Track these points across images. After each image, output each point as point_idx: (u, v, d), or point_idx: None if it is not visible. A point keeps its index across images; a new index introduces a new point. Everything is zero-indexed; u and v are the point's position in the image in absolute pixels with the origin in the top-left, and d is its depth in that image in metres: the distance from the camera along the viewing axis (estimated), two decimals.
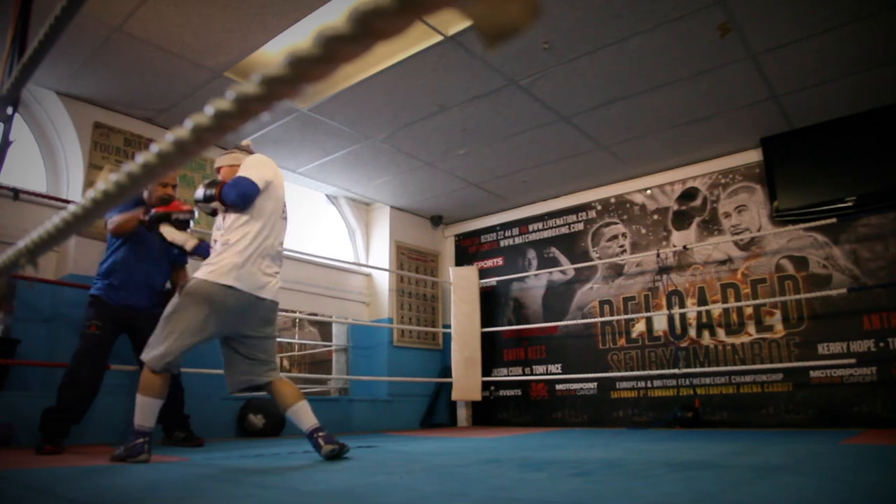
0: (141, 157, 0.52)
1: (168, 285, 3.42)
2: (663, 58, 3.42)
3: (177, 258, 3.43)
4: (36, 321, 3.51)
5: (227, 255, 2.40)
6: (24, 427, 3.08)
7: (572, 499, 1.48)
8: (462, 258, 6.15)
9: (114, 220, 3.05)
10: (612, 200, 5.24)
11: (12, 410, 3.15)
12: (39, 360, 3.37)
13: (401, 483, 1.76)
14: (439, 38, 3.16)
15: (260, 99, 0.41)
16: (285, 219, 2.65)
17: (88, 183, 3.66)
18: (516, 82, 3.62)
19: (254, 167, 2.46)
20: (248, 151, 2.69)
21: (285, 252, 3.02)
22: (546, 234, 5.59)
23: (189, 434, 3.29)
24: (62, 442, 2.86)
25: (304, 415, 2.44)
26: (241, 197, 2.38)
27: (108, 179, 0.59)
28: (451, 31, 3.11)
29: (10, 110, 1.30)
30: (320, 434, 2.41)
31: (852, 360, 3.84)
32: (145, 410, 2.39)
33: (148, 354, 2.41)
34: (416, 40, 3.22)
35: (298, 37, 3.18)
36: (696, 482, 1.68)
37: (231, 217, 2.46)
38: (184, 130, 0.46)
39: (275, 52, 3.31)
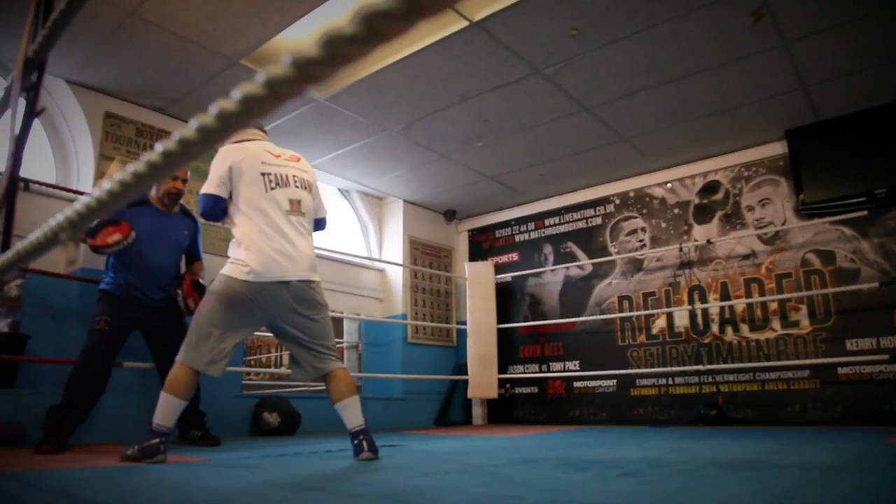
0: (168, 142, 0.51)
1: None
2: (693, 45, 3.32)
3: (191, 253, 3.33)
4: (46, 316, 3.41)
5: (236, 251, 2.38)
6: (34, 425, 2.97)
7: (634, 501, 1.38)
8: (476, 253, 6.04)
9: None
10: (632, 194, 5.14)
11: (22, 408, 3.05)
12: (49, 357, 3.28)
13: (444, 485, 1.67)
14: (465, 23, 3.06)
15: (293, 81, 0.39)
16: (280, 186, 2.43)
17: (99, 174, 3.56)
18: (541, 71, 3.51)
19: (211, 171, 2.44)
20: (252, 128, 2.58)
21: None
22: (563, 228, 5.49)
23: (205, 433, 3.19)
24: (66, 441, 2.76)
25: (353, 412, 2.37)
26: (208, 214, 2.42)
27: (122, 170, 0.56)
28: (478, 16, 3.01)
29: (34, 77, 1.19)
30: (365, 437, 2.34)
31: (884, 357, 3.74)
32: (167, 410, 2.29)
33: (182, 354, 2.35)
34: (441, 26, 3.12)
35: (318, 23, 3.07)
36: (761, 483, 1.59)
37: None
38: (208, 117, 0.45)
39: (293, 40, 3.21)
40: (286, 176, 2.47)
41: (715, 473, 1.78)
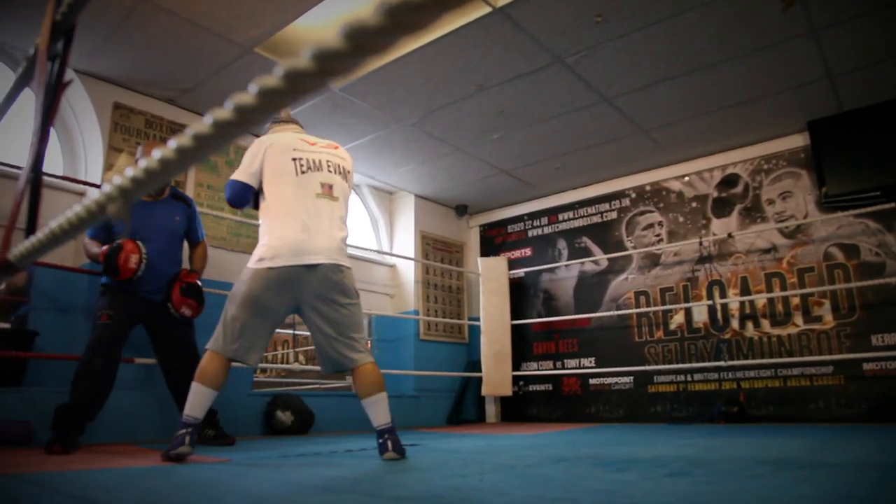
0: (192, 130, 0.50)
1: (187, 266, 3.22)
2: (719, 33, 3.23)
3: (190, 236, 3.23)
4: (54, 312, 3.32)
5: (263, 238, 2.36)
6: (44, 424, 2.88)
7: None
8: (488, 249, 5.95)
9: (85, 243, 3.02)
10: (648, 188, 5.04)
11: (31, 407, 2.96)
12: (58, 353, 3.19)
13: (486, 487, 1.58)
14: (487, 9, 2.96)
15: (345, 56, 0.36)
16: (312, 170, 2.39)
17: (108, 166, 3.46)
18: (562, 59, 3.42)
19: (244, 160, 2.41)
20: (282, 121, 2.55)
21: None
22: (577, 223, 5.40)
23: (219, 431, 3.10)
24: (77, 441, 2.67)
25: (380, 409, 2.30)
26: (234, 201, 2.39)
27: (132, 163, 0.50)
28: (501, 1, 2.92)
29: (60, 46, 1.09)
30: (390, 437, 2.27)
31: None
32: (196, 400, 2.24)
33: (212, 342, 2.34)
34: (462, 12, 3.02)
35: (337, 9, 2.98)
36: (823, 483, 1.50)
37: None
38: (248, 96, 0.44)
39: (309, 27, 3.11)
40: (319, 161, 2.43)
41: (767, 473, 1.69)
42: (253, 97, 0.45)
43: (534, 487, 1.55)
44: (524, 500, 1.38)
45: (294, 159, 2.38)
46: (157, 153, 0.57)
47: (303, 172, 2.37)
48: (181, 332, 3.07)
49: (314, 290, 2.31)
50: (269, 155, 2.37)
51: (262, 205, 2.40)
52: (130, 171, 0.63)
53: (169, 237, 3.09)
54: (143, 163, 0.60)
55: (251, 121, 0.47)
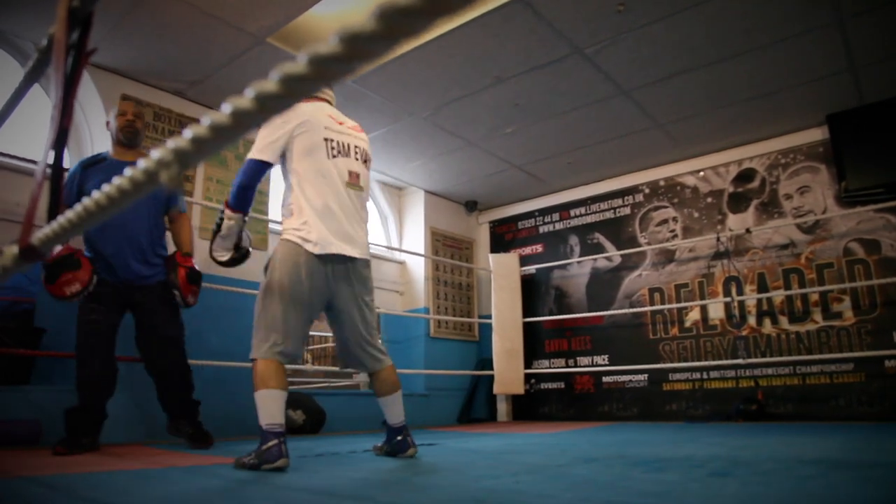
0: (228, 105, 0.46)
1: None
2: (742, 23, 3.15)
3: (169, 202, 2.84)
4: (62, 309, 3.22)
5: (296, 220, 2.10)
6: (51, 424, 2.80)
7: None
8: (498, 245, 5.87)
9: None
10: (662, 183, 4.97)
11: (38, 406, 2.88)
12: (66, 352, 3.10)
13: (524, 489, 1.50)
14: None
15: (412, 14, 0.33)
16: (342, 155, 2.20)
17: None
18: (581, 50, 3.34)
19: (265, 132, 2.11)
20: (315, 98, 2.28)
21: None
22: (589, 219, 5.32)
23: (197, 429, 2.79)
24: (89, 442, 2.56)
25: (398, 407, 2.28)
26: (247, 186, 2.09)
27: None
28: None
29: (75, 35, 1.01)
30: (408, 434, 2.26)
31: None
32: (267, 406, 1.97)
33: (255, 349, 2.04)
34: (483, 1, 2.94)
35: (347, 1, 2.91)
36: (885, 484, 1.42)
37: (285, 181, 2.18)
38: (299, 64, 0.40)
39: (324, 16, 3.03)
40: (347, 145, 2.24)
41: (817, 473, 1.62)
42: (304, 66, 0.39)
43: (577, 489, 1.47)
44: (571, 502, 1.30)
45: (326, 139, 2.17)
46: (227, 107, 0.50)
47: (333, 156, 2.17)
48: (172, 332, 2.78)
49: (351, 285, 2.17)
50: (303, 129, 2.12)
51: (291, 182, 2.14)
52: (189, 133, 0.55)
53: (150, 204, 2.73)
54: (207, 120, 0.52)
55: (299, 93, 0.41)
